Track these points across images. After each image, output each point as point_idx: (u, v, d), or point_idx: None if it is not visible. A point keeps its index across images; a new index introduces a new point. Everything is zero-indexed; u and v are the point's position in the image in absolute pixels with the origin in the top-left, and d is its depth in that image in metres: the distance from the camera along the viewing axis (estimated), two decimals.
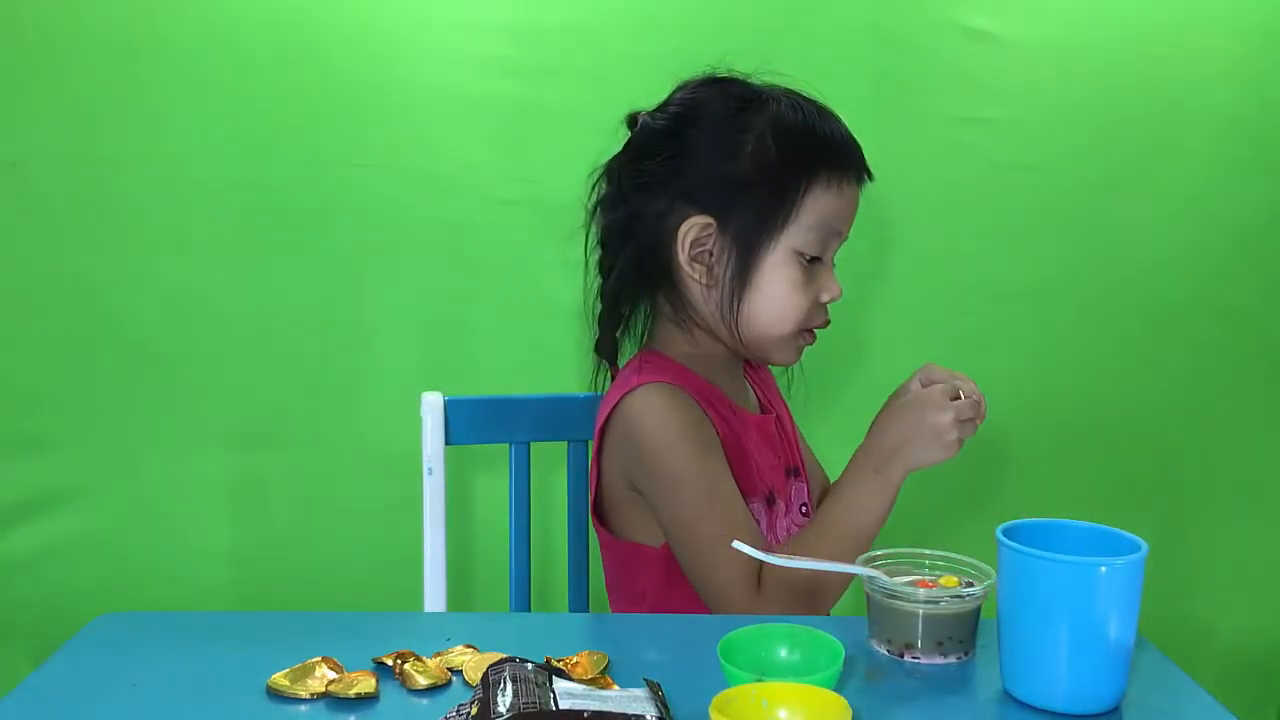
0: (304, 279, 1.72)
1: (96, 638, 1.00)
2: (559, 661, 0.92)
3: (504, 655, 0.91)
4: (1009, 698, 0.92)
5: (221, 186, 1.69)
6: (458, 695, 0.89)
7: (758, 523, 1.21)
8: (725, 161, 1.20)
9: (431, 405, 1.39)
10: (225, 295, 1.71)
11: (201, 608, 1.73)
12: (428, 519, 1.37)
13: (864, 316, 1.85)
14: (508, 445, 1.42)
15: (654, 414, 1.19)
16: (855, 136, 1.26)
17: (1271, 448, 1.97)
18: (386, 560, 1.73)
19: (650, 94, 1.32)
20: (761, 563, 1.11)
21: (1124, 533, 0.92)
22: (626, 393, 1.21)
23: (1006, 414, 1.89)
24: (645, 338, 1.31)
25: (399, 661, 0.93)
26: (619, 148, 1.29)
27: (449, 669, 0.93)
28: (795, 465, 1.33)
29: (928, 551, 1.06)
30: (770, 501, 1.25)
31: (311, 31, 1.67)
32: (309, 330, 1.74)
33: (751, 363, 1.36)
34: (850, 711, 0.79)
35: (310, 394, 1.74)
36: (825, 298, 1.24)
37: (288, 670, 0.91)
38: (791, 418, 1.40)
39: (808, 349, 1.30)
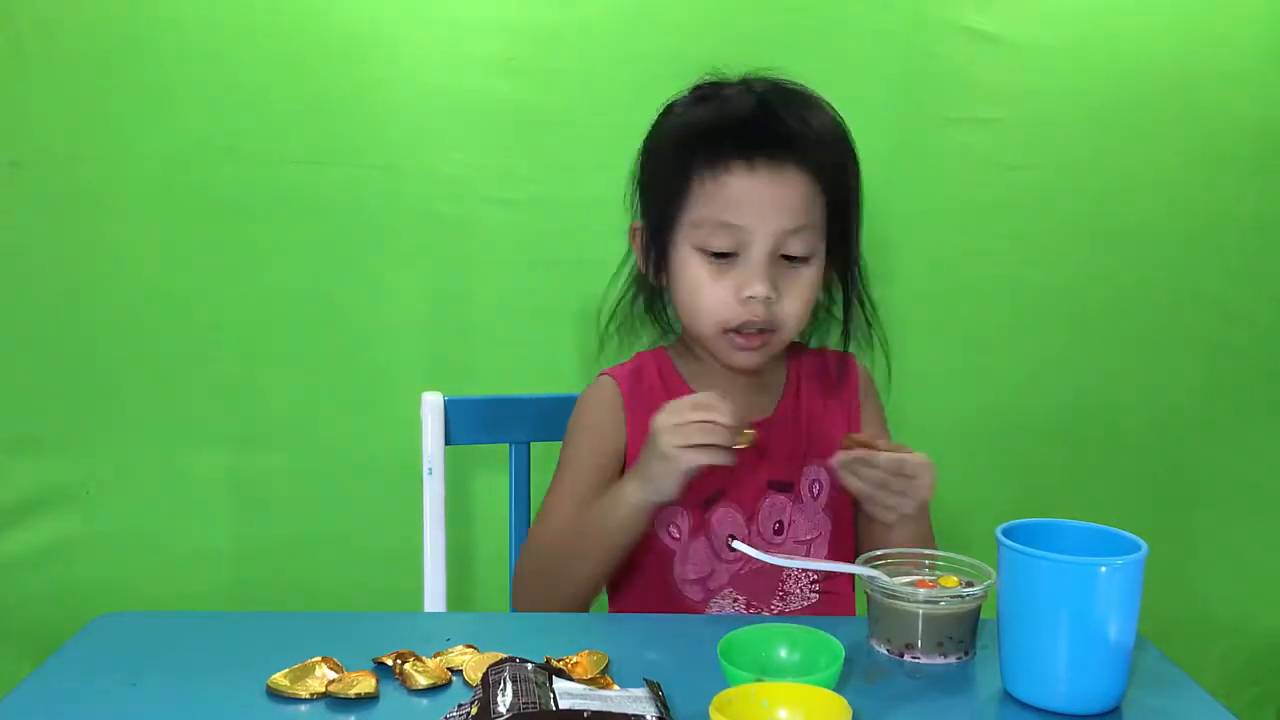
0: (304, 279, 1.72)
1: (96, 638, 1.00)
2: (559, 661, 0.92)
3: (504, 655, 0.91)
4: (1009, 698, 0.92)
5: (221, 186, 1.69)
6: (458, 695, 0.89)
7: (678, 526, 1.24)
8: (643, 165, 1.27)
9: (431, 405, 1.39)
10: (226, 295, 1.71)
11: (201, 608, 1.72)
12: (428, 519, 1.37)
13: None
14: (508, 445, 1.42)
15: (581, 402, 1.30)
16: (783, 121, 1.19)
17: (1272, 447, 1.97)
18: (386, 560, 1.73)
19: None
20: (532, 539, 1.23)
21: (1124, 533, 0.92)
22: None
23: (1007, 414, 1.90)
24: None
25: (399, 662, 0.93)
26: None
27: (449, 669, 0.93)
28: (789, 481, 1.28)
29: (928, 551, 1.06)
30: (706, 505, 1.24)
31: (311, 31, 1.67)
32: (309, 330, 1.73)
33: (819, 373, 1.33)
34: (850, 711, 0.79)
35: (310, 394, 1.74)
36: (744, 295, 1.19)
37: (288, 670, 0.91)
38: (849, 439, 1.29)
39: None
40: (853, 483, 1.13)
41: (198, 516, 1.74)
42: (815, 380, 1.32)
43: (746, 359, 1.23)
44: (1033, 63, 1.81)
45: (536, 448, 1.43)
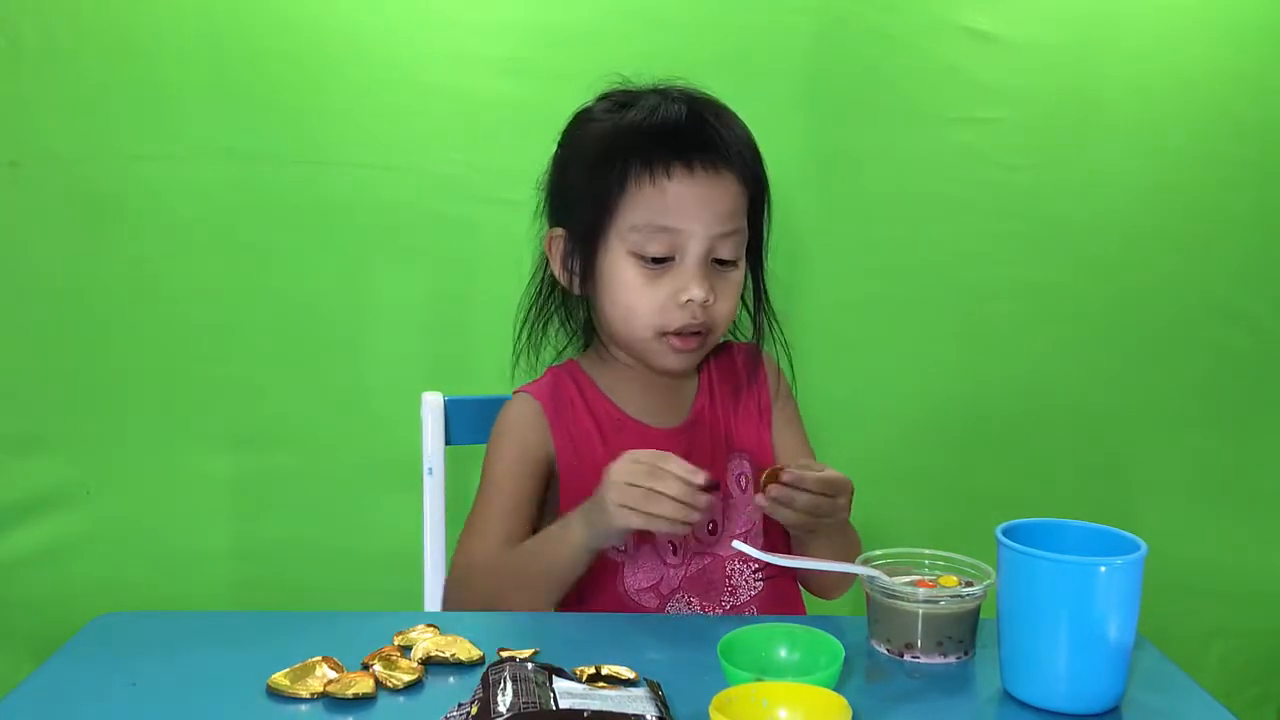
0: (304, 279, 1.72)
1: (96, 638, 1.00)
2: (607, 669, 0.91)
3: (454, 638, 0.92)
4: (1009, 698, 0.92)
5: (221, 186, 1.69)
6: (455, 693, 0.89)
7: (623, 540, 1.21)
8: (564, 172, 1.27)
9: (431, 405, 1.38)
10: (225, 295, 1.71)
11: (201, 608, 1.73)
12: (428, 519, 1.37)
13: (863, 317, 1.85)
14: None
15: (501, 419, 1.29)
16: (713, 128, 1.20)
17: (1271, 447, 1.97)
18: (387, 560, 1.73)
19: None
20: (467, 555, 1.20)
21: (1124, 533, 0.92)
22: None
23: (1006, 414, 1.90)
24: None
25: (378, 664, 0.93)
26: None
27: (419, 662, 0.94)
28: (715, 481, 1.22)
29: (928, 551, 1.06)
30: None
31: (312, 31, 1.67)
32: (309, 330, 1.74)
33: (731, 371, 1.34)
34: (850, 711, 0.79)
35: (311, 394, 1.74)
36: (683, 298, 1.19)
37: (288, 670, 0.91)
38: (767, 436, 1.33)
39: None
40: (785, 515, 1.12)
41: (198, 516, 1.74)
42: (726, 379, 1.34)
43: (681, 361, 1.24)
44: (1032, 63, 1.81)
45: None
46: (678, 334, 1.21)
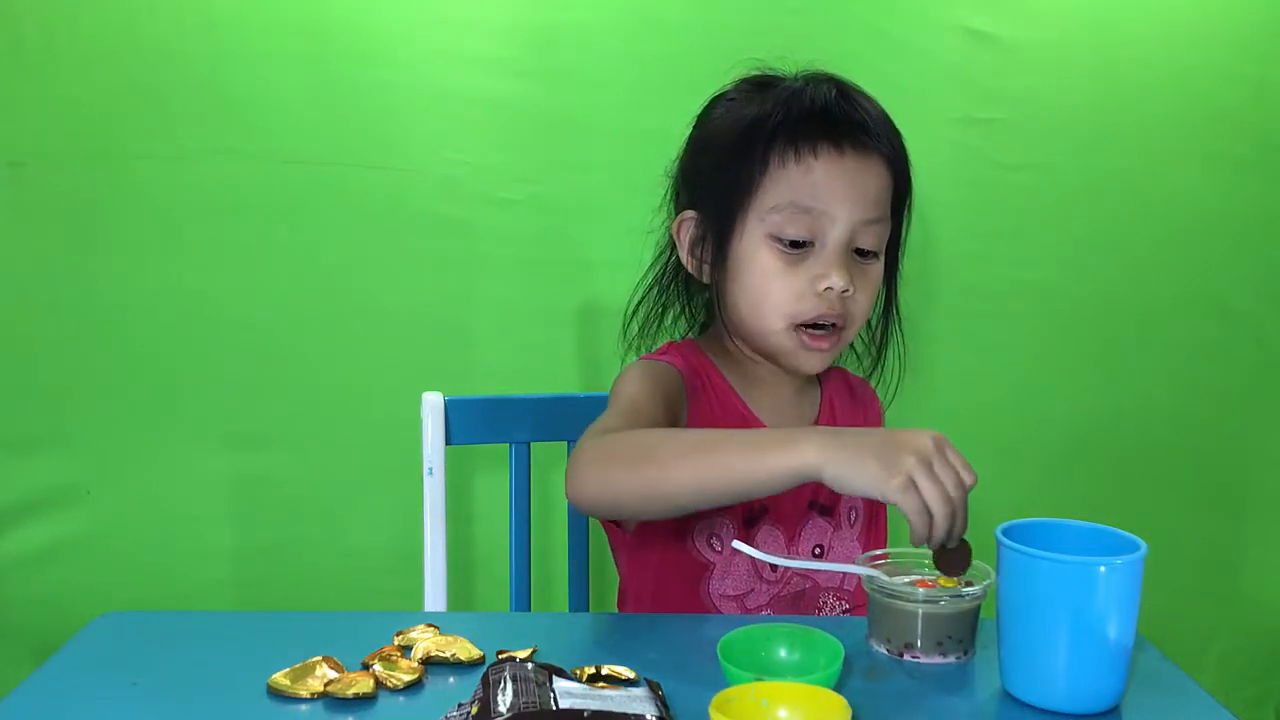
0: (304, 279, 1.72)
1: (97, 638, 1.00)
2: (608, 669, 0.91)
3: (454, 638, 0.92)
4: (1009, 697, 0.92)
5: (221, 186, 1.69)
6: (452, 692, 0.89)
7: (729, 536, 1.15)
8: (699, 154, 1.21)
9: (431, 405, 1.38)
10: (225, 295, 1.71)
11: (202, 608, 1.73)
12: (428, 519, 1.37)
13: None
14: (508, 445, 1.42)
15: (640, 367, 1.19)
16: (863, 109, 1.16)
17: (1270, 447, 1.97)
18: (386, 560, 1.73)
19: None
20: (607, 429, 1.06)
21: (1124, 533, 0.92)
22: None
23: (1006, 414, 1.90)
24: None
25: (378, 664, 0.93)
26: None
27: (419, 661, 0.94)
28: (830, 505, 1.23)
29: (927, 551, 1.05)
30: (750, 522, 1.19)
31: (311, 32, 1.67)
32: (309, 330, 1.74)
33: (848, 395, 1.30)
34: (850, 711, 0.79)
35: (310, 394, 1.74)
36: (821, 286, 1.13)
37: (288, 670, 0.91)
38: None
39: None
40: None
41: (198, 516, 1.74)
42: (844, 401, 1.30)
43: (813, 360, 1.17)
44: (1031, 63, 1.81)
45: (537, 448, 1.43)
46: (811, 327, 1.15)
